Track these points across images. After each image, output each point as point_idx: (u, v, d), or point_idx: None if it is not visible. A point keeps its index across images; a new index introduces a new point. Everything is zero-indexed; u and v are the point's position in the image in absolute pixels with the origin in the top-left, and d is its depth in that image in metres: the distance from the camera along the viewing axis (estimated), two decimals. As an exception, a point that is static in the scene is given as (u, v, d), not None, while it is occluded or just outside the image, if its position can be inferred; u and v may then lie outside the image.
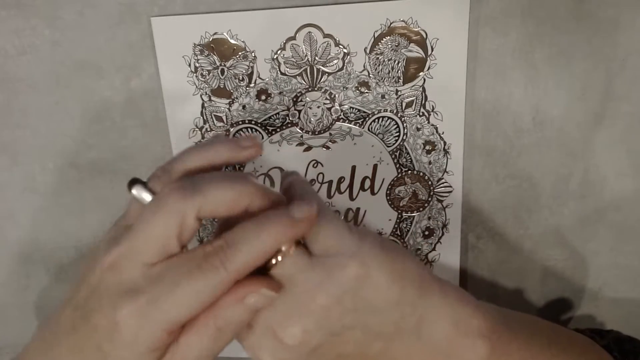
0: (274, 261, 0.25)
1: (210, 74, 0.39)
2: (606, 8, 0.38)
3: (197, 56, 0.38)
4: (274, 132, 0.40)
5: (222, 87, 0.39)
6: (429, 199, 0.43)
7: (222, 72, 0.39)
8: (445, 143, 0.41)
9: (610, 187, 0.44)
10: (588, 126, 0.42)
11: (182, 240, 0.24)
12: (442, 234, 0.44)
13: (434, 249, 0.44)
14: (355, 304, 0.26)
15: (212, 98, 0.40)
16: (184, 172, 0.26)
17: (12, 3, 0.37)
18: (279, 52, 0.38)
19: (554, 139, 0.42)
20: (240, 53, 0.38)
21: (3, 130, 0.40)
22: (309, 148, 0.41)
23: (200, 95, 0.39)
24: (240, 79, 0.39)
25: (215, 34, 0.38)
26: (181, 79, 0.39)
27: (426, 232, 0.44)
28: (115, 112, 0.40)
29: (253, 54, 0.38)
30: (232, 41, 0.38)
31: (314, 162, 0.41)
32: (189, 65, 0.38)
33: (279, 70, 0.39)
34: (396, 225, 0.43)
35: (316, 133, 0.41)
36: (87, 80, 0.39)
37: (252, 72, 0.39)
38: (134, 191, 0.25)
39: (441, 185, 0.42)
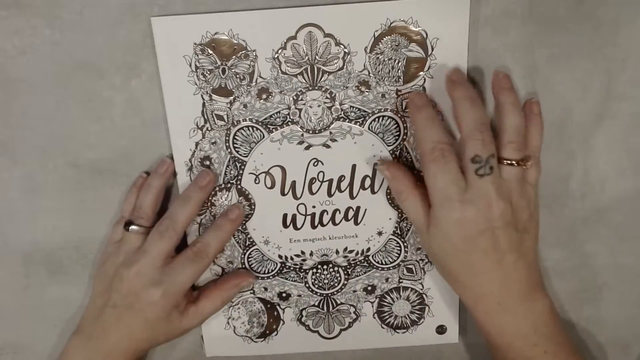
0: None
1: (211, 74, 0.39)
2: (606, 8, 0.38)
3: (197, 56, 0.38)
4: (274, 130, 0.40)
5: (223, 86, 0.39)
6: None
7: (223, 71, 0.39)
8: None
9: (610, 187, 0.44)
10: (588, 126, 0.42)
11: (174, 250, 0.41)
12: None
13: None
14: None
15: (213, 97, 0.39)
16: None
17: (12, 3, 0.37)
18: (279, 51, 0.38)
19: (554, 139, 0.42)
20: (241, 52, 0.38)
21: (3, 130, 0.40)
22: (309, 146, 0.41)
23: (201, 95, 0.39)
24: (242, 78, 0.39)
25: (216, 33, 0.38)
26: (182, 78, 0.39)
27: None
28: (115, 112, 0.40)
29: (254, 53, 0.38)
30: (233, 40, 0.38)
31: (315, 160, 0.41)
32: (190, 64, 0.38)
33: (280, 69, 0.39)
34: (397, 225, 0.43)
35: (316, 132, 0.41)
36: (87, 80, 0.39)
37: (253, 71, 0.39)
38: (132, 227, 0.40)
39: None
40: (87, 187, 0.42)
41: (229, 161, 0.41)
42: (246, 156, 0.41)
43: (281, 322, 0.46)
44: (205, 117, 0.40)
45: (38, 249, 0.43)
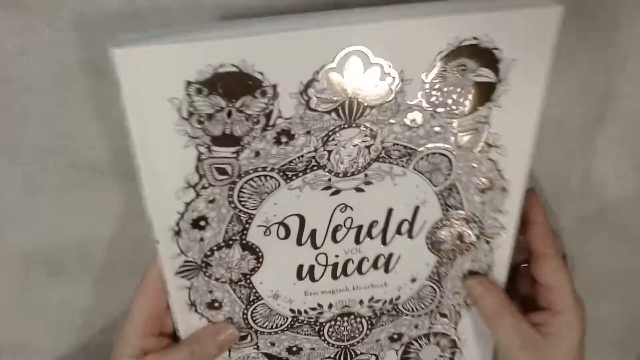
0: None
1: (212, 119, 0.29)
2: (606, 9, 0.38)
3: (192, 98, 0.29)
4: (294, 178, 0.32)
5: (227, 133, 0.30)
6: (476, 240, 0.37)
7: (229, 114, 0.29)
8: (504, 180, 0.35)
9: (610, 187, 0.44)
10: (588, 126, 0.42)
11: None
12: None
13: None
14: None
15: (213, 148, 0.30)
16: None
17: (12, 3, 0.37)
18: (310, 84, 0.29)
19: (553, 139, 0.42)
20: (256, 90, 0.29)
21: (3, 130, 0.40)
22: (337, 192, 0.33)
23: (195, 146, 0.30)
24: (255, 121, 0.30)
25: (221, 66, 0.28)
26: (166, 129, 0.29)
27: (467, 275, 0.39)
28: (115, 112, 0.40)
29: (274, 88, 0.29)
30: (246, 73, 0.28)
31: (343, 206, 0.34)
32: (180, 110, 0.29)
33: (308, 106, 0.30)
34: (434, 270, 0.38)
35: (348, 175, 0.33)
36: (87, 80, 0.39)
37: (271, 112, 0.30)
38: None
39: (492, 226, 0.37)
40: (87, 187, 0.42)
41: (231, 218, 0.33)
42: (255, 209, 0.33)
43: None
44: (201, 172, 0.31)
45: (38, 249, 0.43)
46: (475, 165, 0.34)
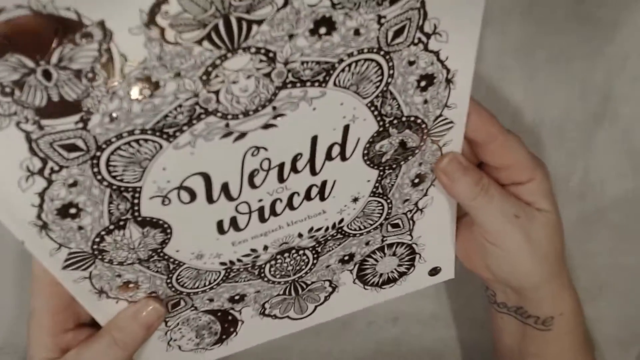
0: None
1: (25, 87, 0.22)
2: (606, 8, 0.38)
3: None
4: (178, 134, 0.25)
5: (56, 100, 0.22)
6: (421, 143, 0.32)
7: (47, 75, 0.22)
8: (448, 71, 0.29)
9: (610, 187, 0.44)
10: (588, 126, 0.42)
11: None
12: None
13: (425, 194, 0.35)
14: None
15: (44, 122, 0.23)
16: None
17: (12, 3, 0.37)
18: (156, 9, 0.21)
19: (553, 139, 0.42)
20: (76, 35, 0.21)
21: (3, 131, 0.40)
22: (242, 135, 0.27)
23: (17, 125, 0.23)
24: (90, 77, 0.22)
25: (1, 11, 0.20)
26: None
27: (416, 180, 0.34)
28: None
29: (103, 26, 0.21)
30: (47, 14, 0.20)
31: (254, 149, 0.28)
32: None
33: (164, 39, 0.22)
34: (377, 184, 0.33)
35: (250, 114, 0.26)
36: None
37: (110, 59, 0.22)
38: None
39: (439, 124, 0.31)
40: (86, 187, 0.42)
41: (110, 197, 0.27)
42: (138, 181, 0.26)
43: (240, 322, 0.37)
44: (42, 155, 0.24)
45: (38, 249, 0.43)
46: (412, 60, 0.28)
